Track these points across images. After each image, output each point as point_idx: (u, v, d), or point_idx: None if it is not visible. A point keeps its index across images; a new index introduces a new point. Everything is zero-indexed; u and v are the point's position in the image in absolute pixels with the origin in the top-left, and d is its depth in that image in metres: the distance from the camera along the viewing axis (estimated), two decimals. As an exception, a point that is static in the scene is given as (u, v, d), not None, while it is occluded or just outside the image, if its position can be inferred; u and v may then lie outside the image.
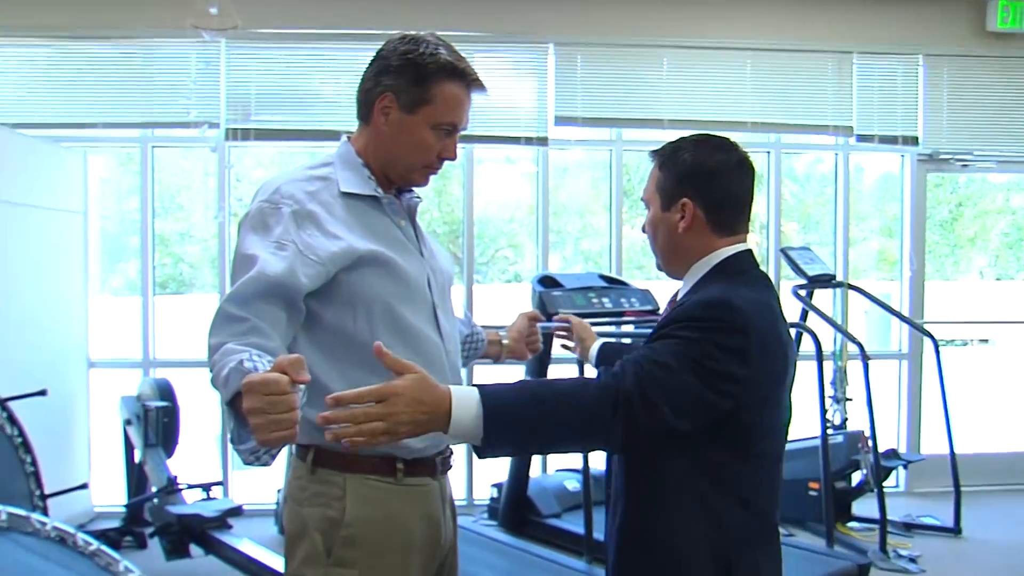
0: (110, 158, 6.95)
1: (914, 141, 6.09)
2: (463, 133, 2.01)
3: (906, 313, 6.07)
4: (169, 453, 5.10)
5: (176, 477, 4.81)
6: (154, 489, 4.80)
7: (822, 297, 5.62)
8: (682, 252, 1.91)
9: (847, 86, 5.99)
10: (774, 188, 6.19)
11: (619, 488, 1.87)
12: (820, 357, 4.84)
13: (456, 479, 5.61)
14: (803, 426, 5.52)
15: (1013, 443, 6.81)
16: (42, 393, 4.33)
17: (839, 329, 5.34)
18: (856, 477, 5.32)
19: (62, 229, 5.43)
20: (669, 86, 5.89)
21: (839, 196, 6.27)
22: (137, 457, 5.15)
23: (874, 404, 4.88)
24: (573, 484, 5.23)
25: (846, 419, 5.52)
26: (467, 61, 1.96)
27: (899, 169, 6.37)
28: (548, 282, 4.78)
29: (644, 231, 1.99)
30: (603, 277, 4.97)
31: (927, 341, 5.59)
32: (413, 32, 1.96)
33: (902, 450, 6.00)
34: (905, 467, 5.86)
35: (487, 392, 1.59)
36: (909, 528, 5.35)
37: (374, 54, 1.98)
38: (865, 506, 5.26)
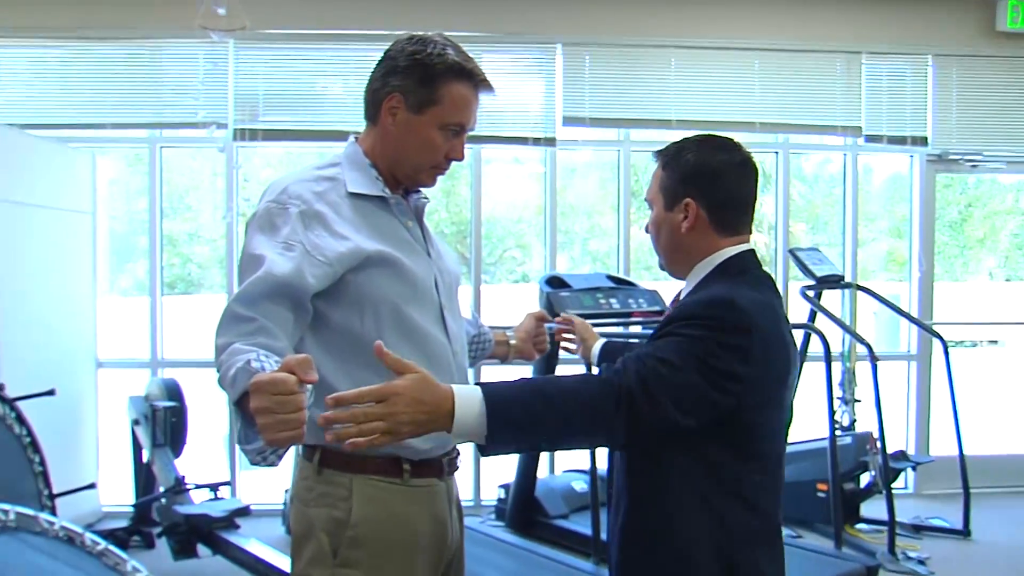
0: (119, 159, 6.97)
1: (923, 141, 6.06)
2: (471, 133, 2.01)
3: (915, 314, 6.05)
4: (177, 453, 5.11)
5: (184, 477, 4.82)
6: (162, 489, 4.81)
7: (831, 298, 5.61)
8: (685, 252, 1.92)
9: (856, 86, 5.98)
10: (782, 189, 6.17)
11: (621, 487, 1.87)
12: (828, 358, 4.82)
13: (463, 480, 5.61)
14: (811, 427, 5.52)
15: (1023, 445, 6.78)
16: (51, 393, 4.34)
17: (847, 330, 5.32)
18: (865, 479, 5.31)
19: (71, 229, 5.45)
20: (677, 86, 5.88)
21: (848, 197, 6.26)
22: (145, 457, 5.16)
23: (883, 405, 4.85)
24: (580, 485, 5.22)
25: (855, 420, 5.51)
26: (475, 61, 1.96)
27: (908, 170, 6.35)
28: (556, 283, 4.77)
29: (647, 231, 2.00)
30: (611, 278, 4.96)
31: (936, 342, 5.56)
32: (421, 32, 1.96)
33: (911, 452, 5.99)
34: (914, 469, 5.84)
35: (490, 389, 1.59)
36: (918, 530, 5.34)
37: (382, 54, 1.97)
38: (874, 508, 5.24)
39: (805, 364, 5.64)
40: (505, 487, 5.27)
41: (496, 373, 1.69)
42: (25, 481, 4.10)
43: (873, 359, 4.83)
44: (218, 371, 1.65)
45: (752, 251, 1.91)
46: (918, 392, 6.25)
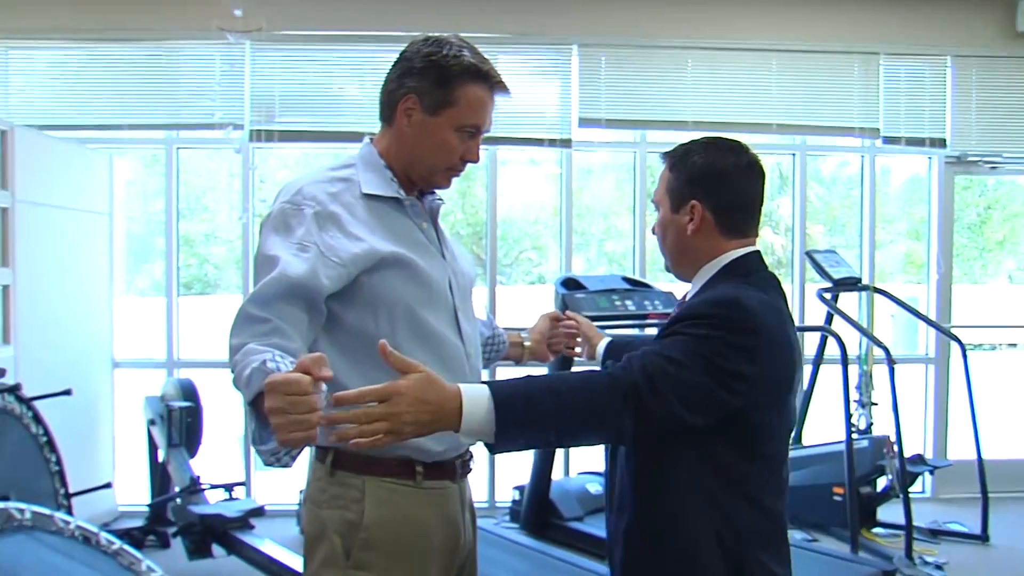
0: (136, 160, 7.00)
1: (942, 143, 6.02)
2: (487, 135, 2.01)
3: (933, 317, 6.01)
4: (192, 453, 5.13)
5: (199, 477, 4.84)
6: (177, 489, 4.83)
7: (848, 300, 5.58)
8: (691, 254, 1.92)
9: (874, 87, 5.94)
10: (799, 190, 6.14)
11: (625, 488, 1.86)
12: (845, 361, 4.80)
13: (478, 481, 5.61)
14: (828, 430, 5.50)
15: (1042, 449, 6.74)
16: (67, 393, 4.37)
17: (865, 333, 5.29)
18: (881, 482, 5.27)
19: (88, 230, 5.47)
20: (693, 87, 5.86)
21: (865, 198, 6.22)
22: (161, 457, 5.18)
23: (900, 409, 4.82)
24: (595, 487, 5.20)
25: (871, 424, 5.48)
26: (491, 63, 1.95)
27: (926, 171, 6.31)
28: (571, 284, 4.75)
29: (654, 232, 2.00)
30: (626, 279, 4.94)
31: (954, 345, 5.53)
32: (437, 34, 1.96)
33: (928, 455, 5.94)
34: (931, 473, 5.80)
35: (497, 387, 1.59)
36: (935, 535, 5.30)
37: (397, 55, 1.97)
38: (891, 512, 5.20)
39: (822, 367, 5.66)
40: (519, 489, 5.26)
41: (511, 375, 1.69)
42: (41, 480, 4.13)
43: (890, 362, 4.80)
44: (232, 371, 1.65)
45: (758, 252, 1.91)
46: (936, 395, 6.20)
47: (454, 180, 2.04)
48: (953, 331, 5.64)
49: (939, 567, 4.75)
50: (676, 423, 1.66)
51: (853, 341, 5.31)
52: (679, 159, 1.91)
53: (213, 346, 5.11)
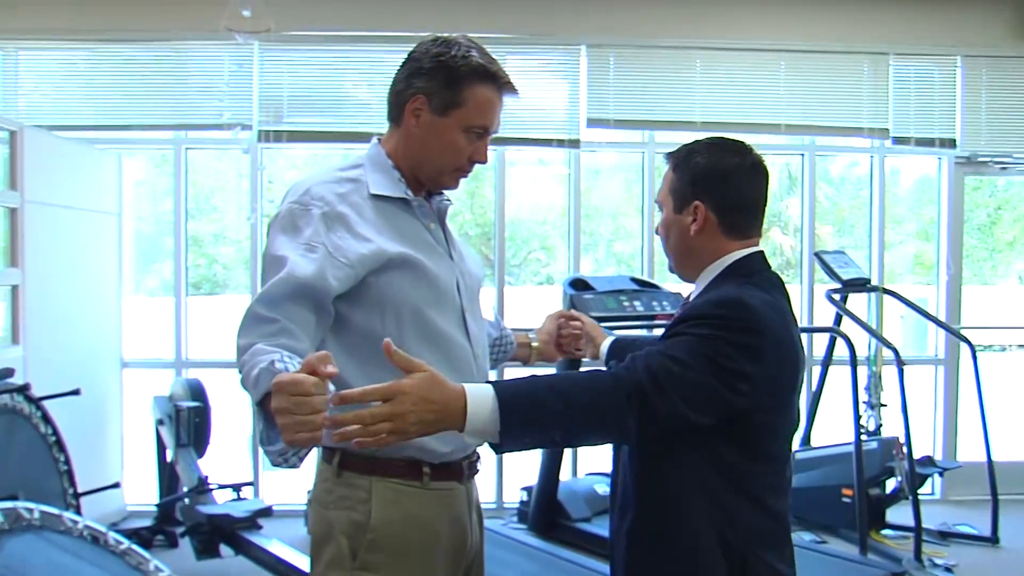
0: (146, 160, 7.02)
1: (951, 143, 6.00)
2: (495, 135, 2.00)
3: (943, 318, 5.99)
4: (200, 453, 5.14)
5: (207, 477, 4.84)
6: (185, 489, 4.84)
7: (857, 301, 5.56)
8: (694, 255, 1.91)
9: (883, 88, 5.92)
10: (808, 191, 6.13)
11: (629, 488, 1.86)
12: (854, 362, 4.79)
13: (485, 482, 5.61)
14: (837, 432, 5.48)
15: (1052, 451, 6.71)
16: (76, 392, 4.38)
17: (874, 334, 5.28)
18: (891, 484, 5.25)
19: (97, 230, 5.49)
20: (702, 88, 5.85)
21: (874, 199, 6.20)
22: (169, 457, 5.19)
23: (909, 410, 4.80)
24: (603, 488, 5.19)
25: (880, 425, 5.46)
26: (499, 64, 1.95)
27: (936, 172, 6.29)
28: (579, 285, 4.74)
29: (658, 233, 1.99)
30: (635, 280, 4.93)
31: (964, 347, 5.51)
32: (445, 34, 1.95)
33: (938, 457, 5.92)
34: (941, 474, 5.78)
35: (502, 386, 1.59)
36: (945, 537, 5.28)
37: (406, 56, 1.97)
38: (900, 514, 5.19)
39: (831, 368, 5.64)
40: (527, 490, 5.25)
41: (518, 376, 1.68)
42: (50, 480, 4.14)
43: (900, 363, 4.79)
44: (240, 371, 1.65)
45: (761, 253, 1.91)
46: (945, 397, 6.19)
47: (462, 181, 2.03)
48: (963, 332, 5.62)
49: (948, 569, 4.73)
50: (680, 423, 1.66)
51: (862, 342, 5.29)
52: (682, 159, 1.91)
53: (222, 346, 5.12)
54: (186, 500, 4.74)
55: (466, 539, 1.98)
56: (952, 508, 5.82)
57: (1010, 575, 4.81)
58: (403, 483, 1.86)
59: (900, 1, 5.92)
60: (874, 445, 5.15)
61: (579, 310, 4.35)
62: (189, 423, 5.05)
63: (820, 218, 6.29)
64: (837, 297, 5.31)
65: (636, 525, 1.83)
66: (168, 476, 5.29)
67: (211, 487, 4.80)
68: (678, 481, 1.76)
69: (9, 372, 4.07)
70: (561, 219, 6.36)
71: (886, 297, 5.65)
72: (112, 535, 3.45)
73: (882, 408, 5.48)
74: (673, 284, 4.88)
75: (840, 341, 4.93)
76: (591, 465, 5.76)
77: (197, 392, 5.26)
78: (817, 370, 5.77)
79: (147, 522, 5.19)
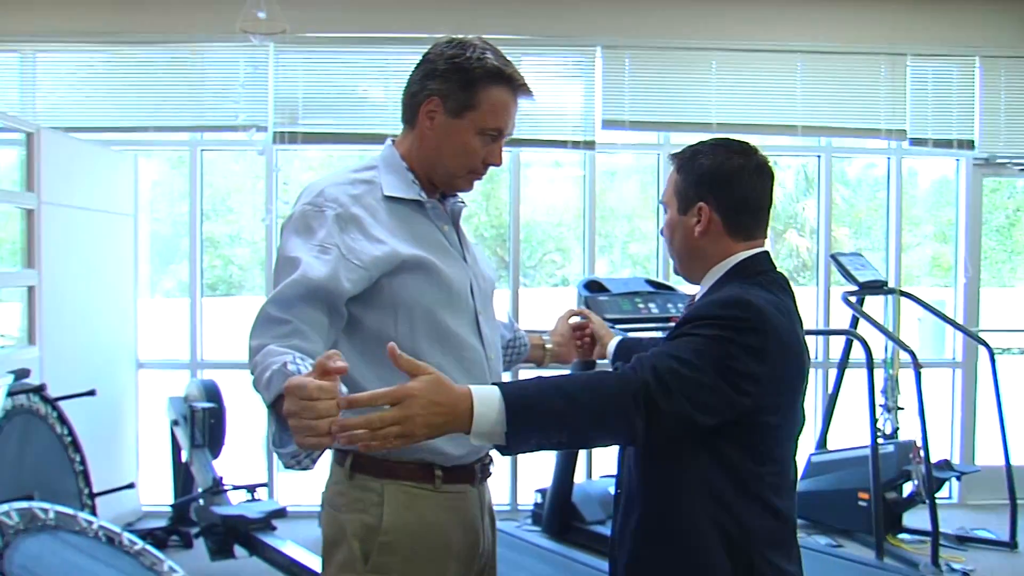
0: (163, 161, 7.05)
1: (970, 145, 5.96)
2: (510, 137, 1.99)
3: (960, 321, 5.95)
4: (215, 454, 5.15)
5: (222, 478, 4.86)
6: (200, 490, 4.85)
7: (873, 304, 5.53)
8: (699, 256, 1.91)
9: (900, 89, 5.88)
10: (825, 192, 6.10)
11: (634, 489, 1.85)
12: (871, 365, 4.76)
13: (500, 484, 5.61)
14: (853, 435, 5.44)
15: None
16: (91, 393, 4.40)
17: (890, 337, 5.25)
18: (907, 488, 5.22)
19: (113, 231, 5.51)
20: (718, 89, 5.83)
21: (892, 201, 6.17)
22: (184, 457, 5.20)
23: (927, 413, 4.78)
24: (618, 491, 5.18)
25: (897, 428, 5.43)
26: (514, 66, 1.94)
27: (954, 173, 6.25)
28: (594, 287, 4.74)
29: (663, 234, 1.99)
30: (650, 282, 4.92)
31: (982, 349, 5.47)
32: (460, 36, 1.95)
33: (955, 461, 5.89)
34: (958, 478, 5.74)
35: (508, 388, 1.58)
36: (962, 541, 5.24)
37: (420, 57, 1.96)
38: (917, 518, 5.16)
39: (847, 371, 5.61)
40: (541, 492, 5.25)
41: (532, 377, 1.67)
42: (66, 480, 4.16)
43: (917, 366, 4.76)
44: (252, 372, 1.65)
45: (766, 253, 1.90)
46: (963, 400, 6.14)
47: (476, 183, 2.02)
48: (981, 335, 5.59)
49: (966, 574, 4.69)
50: (686, 423, 1.65)
51: (879, 345, 5.26)
52: (687, 160, 1.90)
53: (237, 348, 5.13)
54: (201, 501, 4.75)
55: (478, 542, 1.97)
56: (970, 512, 5.78)
57: (1028, 580, 4.78)
58: (415, 486, 1.85)
59: (918, 1, 5.89)
60: (891, 448, 5.13)
61: (594, 312, 4.35)
62: (204, 424, 5.06)
63: (837, 220, 6.26)
64: (854, 299, 5.29)
65: (641, 525, 1.82)
66: (183, 477, 5.30)
67: (226, 488, 4.81)
68: (683, 481, 1.76)
69: (25, 373, 4.09)
70: (576, 221, 6.35)
71: (903, 299, 5.62)
72: (127, 536, 3.46)
73: (899, 411, 5.45)
74: (688, 286, 4.87)
75: (856, 344, 4.91)
76: (605, 467, 5.74)
77: (212, 393, 5.27)
78: (833, 373, 5.74)
79: (162, 523, 5.21)
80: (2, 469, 3.66)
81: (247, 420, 6.37)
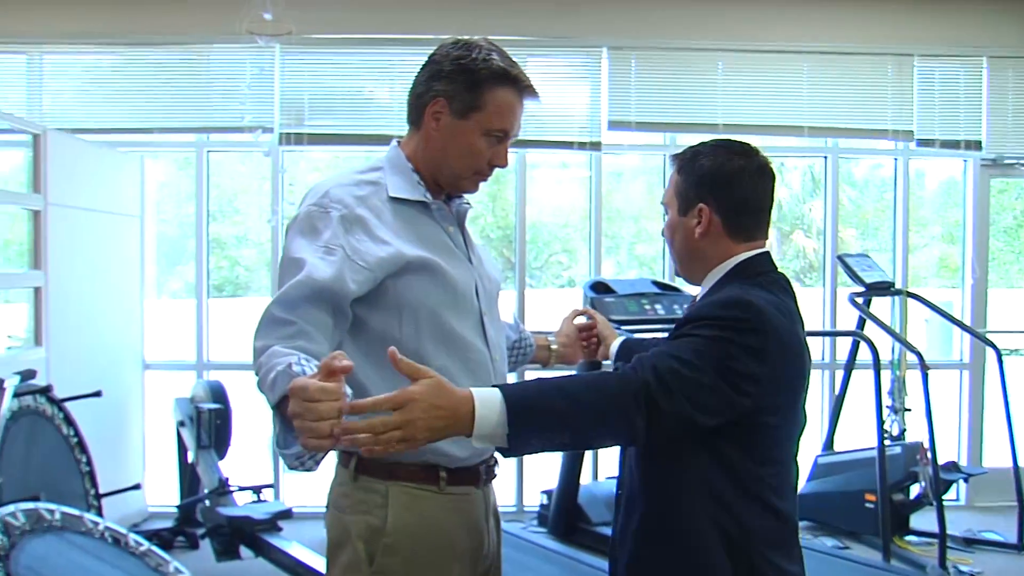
0: (169, 162, 7.06)
1: (977, 146, 5.94)
2: (515, 138, 1.99)
3: (968, 322, 5.93)
4: (221, 455, 5.15)
5: (227, 479, 4.85)
6: (206, 491, 4.85)
7: (880, 305, 5.52)
8: (699, 257, 1.91)
9: (907, 89, 5.87)
10: (831, 193, 6.08)
11: (635, 490, 1.85)
12: (878, 366, 4.74)
13: (506, 486, 5.60)
14: (860, 436, 5.43)
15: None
16: (97, 394, 4.41)
17: (897, 338, 5.23)
18: (914, 490, 5.21)
19: (119, 233, 5.52)
20: (724, 90, 5.81)
21: (899, 202, 6.15)
22: (190, 458, 5.21)
23: (934, 415, 4.76)
24: (624, 492, 5.17)
25: (904, 430, 5.41)
26: (520, 67, 1.94)
27: (962, 174, 6.23)
28: (600, 288, 4.73)
29: (663, 235, 1.99)
30: (656, 283, 4.91)
31: (989, 351, 5.45)
32: (466, 37, 1.94)
33: (963, 462, 5.87)
34: (966, 480, 5.72)
35: (509, 390, 1.58)
36: (970, 543, 5.22)
37: (426, 58, 1.96)
38: (924, 520, 5.14)
39: (854, 372, 5.59)
40: (548, 493, 5.24)
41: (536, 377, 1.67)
42: (72, 481, 4.16)
43: (924, 368, 4.74)
44: (257, 373, 1.65)
45: (767, 254, 1.89)
46: (971, 402, 6.12)
47: (482, 184, 2.02)
48: (988, 336, 5.57)
49: (974, 576, 4.68)
50: (687, 424, 1.65)
51: (886, 346, 5.25)
52: (687, 161, 1.90)
53: (243, 349, 5.13)
54: (207, 502, 4.75)
55: (483, 544, 1.97)
56: (977, 514, 5.76)
57: (1037, 583, 4.76)
58: (420, 488, 1.85)
59: (924, 2, 5.87)
60: (898, 450, 5.11)
61: (599, 313, 4.34)
62: (210, 425, 5.07)
63: (843, 221, 6.24)
64: (860, 301, 5.28)
65: (642, 525, 1.82)
66: (189, 478, 5.31)
67: (232, 489, 4.81)
68: (683, 481, 1.76)
69: (32, 374, 4.09)
70: (583, 222, 6.34)
71: (910, 301, 5.60)
72: (132, 536, 3.47)
73: (906, 413, 5.43)
74: (693, 288, 4.85)
75: (863, 345, 4.90)
76: (611, 469, 5.73)
77: (218, 394, 5.28)
78: (840, 374, 5.73)
79: (168, 524, 5.21)
80: (9, 470, 3.66)
81: (253, 421, 6.37)
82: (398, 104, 4.81)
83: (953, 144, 5.93)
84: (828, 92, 5.85)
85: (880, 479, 4.72)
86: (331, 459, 1.82)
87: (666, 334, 1.88)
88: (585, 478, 5.30)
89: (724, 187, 1.85)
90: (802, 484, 5.39)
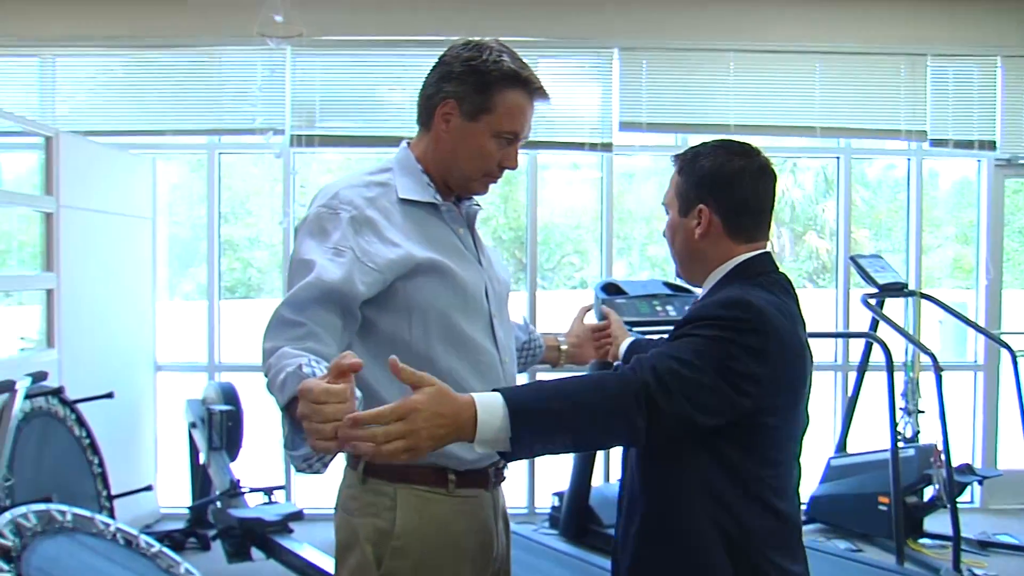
0: (181, 164, 7.08)
1: (991, 146, 5.90)
2: (526, 140, 1.98)
3: (982, 323, 5.89)
4: (233, 457, 5.16)
5: (239, 480, 4.86)
6: (217, 492, 4.86)
7: (894, 306, 5.49)
8: (699, 258, 1.90)
9: (920, 89, 5.84)
10: (844, 194, 6.05)
11: (637, 491, 1.85)
12: (891, 368, 4.72)
13: (517, 488, 5.59)
14: (874, 439, 5.40)
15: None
16: (110, 396, 4.42)
17: (911, 339, 5.20)
18: (928, 492, 5.18)
19: (131, 234, 5.53)
20: (736, 90, 5.79)
21: (912, 202, 6.12)
22: (201, 460, 5.22)
23: (947, 417, 4.73)
24: (635, 494, 5.16)
25: (918, 432, 5.38)
26: (530, 69, 1.93)
27: (976, 174, 6.20)
28: (612, 289, 4.72)
29: (664, 236, 1.98)
30: (668, 285, 4.90)
31: (1004, 352, 5.42)
32: (476, 38, 1.94)
33: (977, 465, 5.83)
34: (980, 482, 5.68)
35: (510, 393, 1.57)
36: (984, 546, 5.19)
37: (437, 59, 1.95)
38: (938, 522, 5.11)
39: (867, 374, 5.57)
40: (559, 495, 5.23)
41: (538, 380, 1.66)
42: (84, 482, 4.18)
43: (937, 369, 4.71)
44: (266, 375, 1.64)
45: (768, 254, 1.88)
46: (985, 403, 6.09)
47: (492, 186, 2.01)
48: (1003, 337, 5.54)
49: (988, 580, 4.65)
50: (687, 424, 1.64)
51: (899, 348, 5.22)
52: (688, 162, 1.90)
53: (255, 350, 5.14)
54: (218, 503, 4.76)
55: (492, 546, 1.96)
56: (992, 517, 5.73)
57: (1052, 586, 4.73)
58: (428, 490, 1.85)
59: (938, 1, 5.84)
60: (911, 452, 5.09)
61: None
62: (222, 426, 5.07)
63: (856, 222, 6.21)
64: (873, 302, 5.25)
65: (643, 526, 1.82)
66: (200, 479, 5.32)
67: (243, 490, 4.81)
68: (683, 482, 1.75)
69: (44, 375, 4.11)
70: (594, 223, 6.33)
71: (924, 302, 5.57)
72: (144, 538, 3.47)
73: (919, 415, 5.40)
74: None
75: (876, 347, 4.87)
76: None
77: (230, 396, 5.28)
78: (853, 376, 5.70)
79: (179, 525, 5.21)
80: (21, 471, 3.67)
81: (264, 423, 6.38)
82: (410, 105, 4.81)
83: (967, 144, 5.90)
84: (840, 92, 5.82)
85: (893, 481, 4.70)
86: (340, 461, 1.81)
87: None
88: (596, 480, 5.29)
89: (724, 188, 1.84)
90: (815, 486, 5.42)
